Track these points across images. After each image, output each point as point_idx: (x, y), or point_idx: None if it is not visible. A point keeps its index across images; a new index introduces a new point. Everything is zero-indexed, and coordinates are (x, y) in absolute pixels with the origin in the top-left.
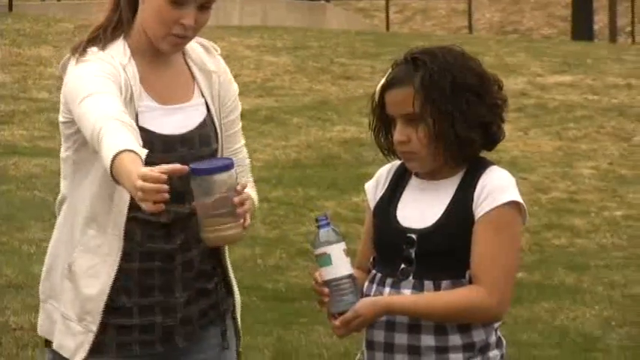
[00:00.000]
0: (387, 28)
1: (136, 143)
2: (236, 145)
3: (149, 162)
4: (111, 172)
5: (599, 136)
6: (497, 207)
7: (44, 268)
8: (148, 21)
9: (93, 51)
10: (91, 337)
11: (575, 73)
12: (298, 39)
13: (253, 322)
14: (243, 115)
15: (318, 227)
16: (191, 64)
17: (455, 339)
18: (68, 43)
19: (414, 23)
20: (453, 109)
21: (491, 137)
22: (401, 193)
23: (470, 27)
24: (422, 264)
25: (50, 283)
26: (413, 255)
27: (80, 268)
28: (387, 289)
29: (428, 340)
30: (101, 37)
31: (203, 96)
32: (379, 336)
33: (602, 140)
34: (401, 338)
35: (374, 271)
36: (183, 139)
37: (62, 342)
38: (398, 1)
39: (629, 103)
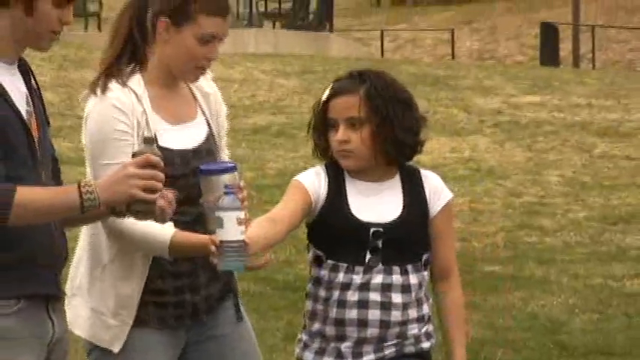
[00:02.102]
0: (382, 54)
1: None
2: (222, 155)
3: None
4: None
5: (564, 148)
6: (448, 201)
7: (71, 270)
8: (175, 58)
9: (115, 86)
10: (126, 329)
11: (543, 94)
12: (306, 64)
13: (267, 309)
14: (258, 130)
15: (225, 193)
16: (193, 87)
17: (412, 313)
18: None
19: (405, 51)
20: (393, 116)
21: (418, 145)
22: (345, 195)
23: (453, 54)
24: (387, 253)
25: (78, 282)
26: (380, 245)
27: (114, 270)
28: (357, 277)
29: (395, 315)
30: (118, 73)
31: (204, 114)
32: (351, 314)
33: (567, 152)
34: (374, 315)
35: (331, 262)
36: (194, 153)
37: (96, 334)
38: (391, 32)
39: (590, 120)
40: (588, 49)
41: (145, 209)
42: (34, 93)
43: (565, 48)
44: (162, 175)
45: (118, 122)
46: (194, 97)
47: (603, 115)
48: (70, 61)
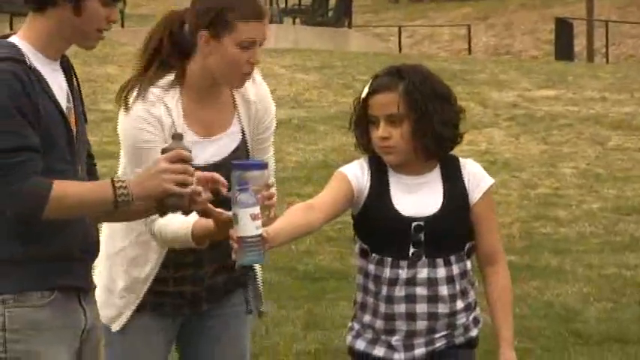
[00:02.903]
0: (400, 50)
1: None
2: (265, 156)
3: None
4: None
5: (578, 141)
6: (488, 188)
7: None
8: (220, 68)
9: (148, 96)
10: (129, 312)
11: (558, 88)
12: (325, 59)
13: (287, 298)
14: (279, 124)
15: (238, 190)
16: (235, 94)
17: (459, 304)
18: (130, 63)
19: (422, 46)
20: (432, 111)
21: (457, 137)
22: (387, 189)
23: (469, 49)
24: (430, 246)
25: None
26: (422, 239)
27: (128, 255)
28: (402, 272)
29: (443, 307)
30: (149, 84)
31: (240, 123)
32: (400, 308)
33: (581, 145)
34: (422, 308)
35: (376, 255)
36: (216, 166)
37: (100, 310)
38: (409, 27)
39: (603, 113)
40: (602, 43)
41: (177, 203)
42: (74, 90)
43: (579, 43)
44: (192, 170)
45: (144, 132)
46: (234, 105)
47: (617, 109)
48: (94, 57)
